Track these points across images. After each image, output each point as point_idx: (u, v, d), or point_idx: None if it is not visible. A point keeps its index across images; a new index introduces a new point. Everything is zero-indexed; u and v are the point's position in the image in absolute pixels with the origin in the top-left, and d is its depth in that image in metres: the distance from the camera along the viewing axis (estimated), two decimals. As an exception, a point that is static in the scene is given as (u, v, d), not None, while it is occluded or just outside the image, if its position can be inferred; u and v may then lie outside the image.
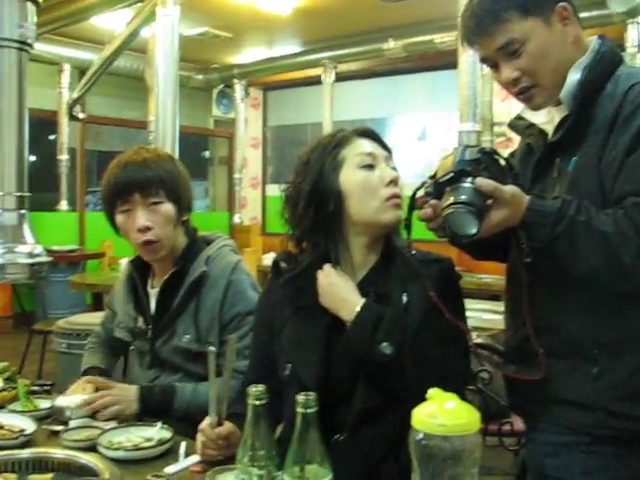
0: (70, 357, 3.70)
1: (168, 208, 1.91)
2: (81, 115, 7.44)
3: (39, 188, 8.56)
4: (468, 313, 1.60)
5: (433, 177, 1.34)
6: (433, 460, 0.92)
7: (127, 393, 1.87)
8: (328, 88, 8.01)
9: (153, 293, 2.02)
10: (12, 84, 1.32)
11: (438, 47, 6.70)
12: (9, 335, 6.93)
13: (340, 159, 1.53)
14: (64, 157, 7.56)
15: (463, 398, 0.95)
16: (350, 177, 1.51)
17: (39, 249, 1.40)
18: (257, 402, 1.15)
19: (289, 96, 9.77)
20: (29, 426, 1.76)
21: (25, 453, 1.61)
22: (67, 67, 7.45)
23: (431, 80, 8.20)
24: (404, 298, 1.47)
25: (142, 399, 1.86)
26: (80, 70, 7.31)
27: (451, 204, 1.27)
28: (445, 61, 6.66)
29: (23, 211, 1.39)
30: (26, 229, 1.39)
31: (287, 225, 1.60)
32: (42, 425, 1.80)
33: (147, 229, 1.88)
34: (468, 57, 4.06)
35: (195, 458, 1.58)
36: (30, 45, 1.34)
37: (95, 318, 3.87)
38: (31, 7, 1.33)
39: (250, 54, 8.49)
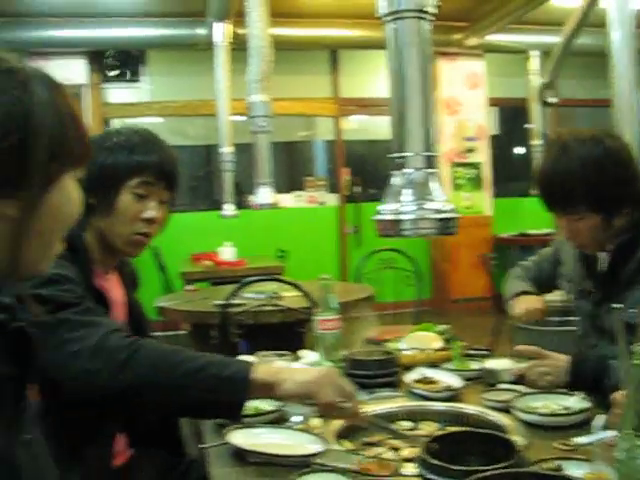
0: (524, 332, 3.76)
1: (592, 221, 1.80)
2: (553, 100, 7.41)
3: (513, 177, 8.83)
4: None
5: None
6: None
7: (559, 364, 1.83)
8: None
9: (602, 257, 1.95)
10: (414, 52, 1.40)
11: None
12: (488, 316, 7.30)
13: None
14: (537, 142, 7.65)
15: None
16: None
17: (448, 206, 1.46)
18: (640, 363, 1.03)
19: None
20: (457, 383, 1.86)
21: (442, 406, 1.72)
22: (534, 53, 7.54)
23: None
24: None
25: (573, 371, 1.81)
26: (547, 54, 7.32)
27: None
28: None
29: (432, 170, 1.46)
30: (435, 187, 1.46)
31: None
32: (469, 384, 1.89)
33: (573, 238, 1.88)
34: None
35: (611, 433, 1.48)
36: (428, 12, 1.39)
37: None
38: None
39: None
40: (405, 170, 1.46)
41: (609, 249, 1.89)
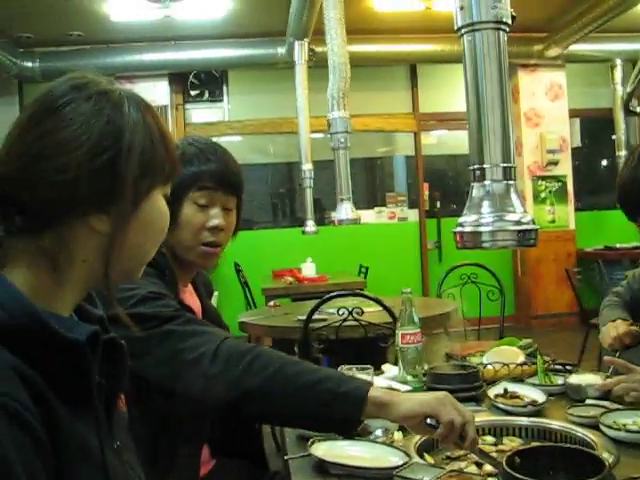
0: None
1: None
2: (639, 109, 7.21)
3: (597, 190, 8.60)
4: None
5: None
6: None
7: None
8: None
9: None
10: (492, 63, 1.40)
11: None
12: (573, 331, 7.11)
13: None
14: (622, 153, 7.45)
15: None
16: None
17: (528, 218, 1.44)
18: None
19: None
20: (541, 398, 1.83)
21: (527, 421, 1.69)
22: (618, 62, 7.35)
23: None
24: None
25: None
26: (630, 62, 7.13)
27: None
28: None
29: (511, 182, 1.45)
30: (514, 198, 1.45)
31: None
32: (553, 399, 1.85)
33: None
34: None
35: None
36: (507, 24, 1.39)
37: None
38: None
39: None
40: (484, 182, 1.45)
41: None
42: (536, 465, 1.23)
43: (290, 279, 5.93)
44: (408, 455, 1.47)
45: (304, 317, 3.35)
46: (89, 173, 0.88)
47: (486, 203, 1.45)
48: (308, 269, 6.20)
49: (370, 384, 1.36)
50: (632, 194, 1.78)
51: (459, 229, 1.50)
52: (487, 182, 1.45)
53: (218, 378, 1.34)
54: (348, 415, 1.32)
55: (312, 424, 1.41)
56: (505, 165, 1.45)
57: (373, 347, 3.69)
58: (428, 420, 1.33)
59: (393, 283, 7.17)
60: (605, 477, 1.14)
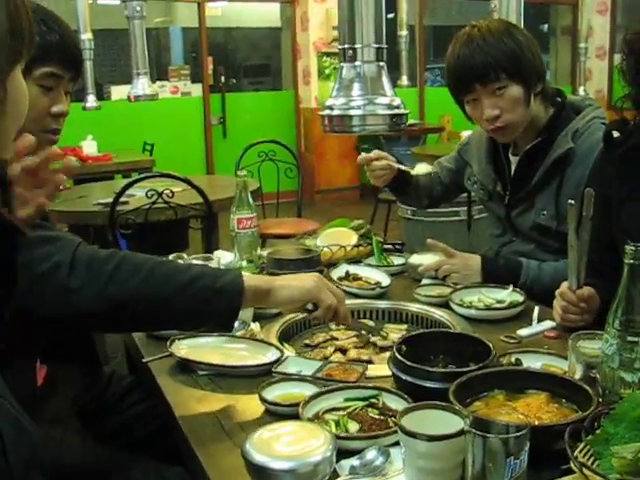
0: (414, 223, 3.86)
1: (513, 91, 1.79)
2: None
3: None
4: None
5: None
6: None
7: (470, 263, 1.87)
8: None
9: (514, 160, 1.97)
10: None
11: None
12: (356, 205, 7.44)
13: None
14: (403, 33, 7.62)
15: None
16: None
17: (397, 101, 1.40)
18: (633, 261, 1.05)
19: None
20: (384, 280, 1.86)
21: (383, 303, 1.71)
22: None
23: None
24: None
25: (485, 270, 1.85)
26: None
27: None
28: None
29: (382, 63, 1.39)
30: (385, 81, 1.40)
31: (625, 83, 1.45)
32: (393, 279, 1.88)
33: (496, 117, 1.82)
34: None
35: (549, 324, 1.54)
36: None
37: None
38: None
39: None
40: (355, 62, 1.38)
41: (520, 153, 1.92)
42: (419, 350, 1.25)
43: (72, 159, 5.52)
44: (278, 349, 1.43)
45: (106, 201, 3.15)
46: None
47: (357, 85, 1.39)
48: (89, 147, 5.80)
49: (241, 274, 1.29)
50: (471, 60, 1.80)
51: (327, 112, 1.42)
52: (358, 63, 1.38)
53: (81, 291, 1.18)
54: (228, 309, 1.24)
55: (191, 324, 1.32)
56: (377, 46, 1.38)
57: (179, 229, 3.58)
58: (308, 305, 1.35)
59: (179, 160, 6.97)
60: (492, 361, 1.18)
